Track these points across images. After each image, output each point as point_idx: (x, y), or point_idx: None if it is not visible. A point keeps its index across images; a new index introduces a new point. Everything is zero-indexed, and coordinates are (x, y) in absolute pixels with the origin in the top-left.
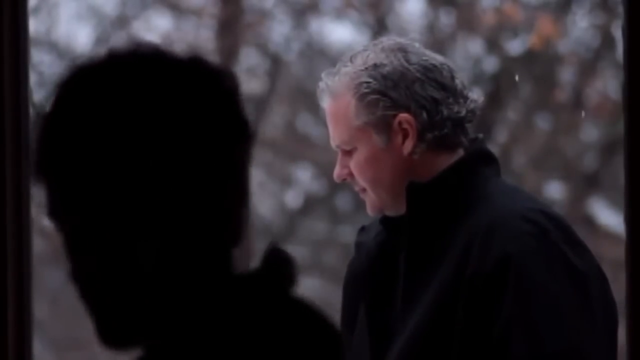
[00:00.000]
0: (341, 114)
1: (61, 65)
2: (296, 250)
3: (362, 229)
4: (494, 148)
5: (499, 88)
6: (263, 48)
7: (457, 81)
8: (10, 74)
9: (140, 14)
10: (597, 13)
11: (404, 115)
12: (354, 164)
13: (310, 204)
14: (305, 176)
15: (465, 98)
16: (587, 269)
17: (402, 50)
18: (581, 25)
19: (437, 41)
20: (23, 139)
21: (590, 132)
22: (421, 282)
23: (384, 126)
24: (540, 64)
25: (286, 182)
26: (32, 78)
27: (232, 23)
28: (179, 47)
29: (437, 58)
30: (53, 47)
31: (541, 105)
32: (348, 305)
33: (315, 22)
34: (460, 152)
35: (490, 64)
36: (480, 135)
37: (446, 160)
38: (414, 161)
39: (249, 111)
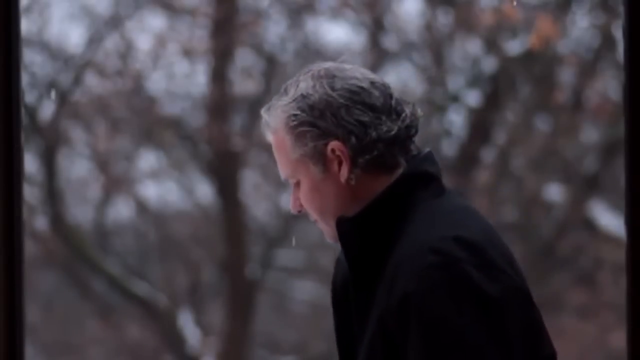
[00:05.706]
0: (281, 149)
1: (53, 65)
2: (291, 253)
3: None
4: (492, 150)
5: (497, 89)
6: (258, 48)
7: (392, 99)
8: (2, 75)
9: (134, 14)
10: (597, 13)
11: (334, 143)
12: (301, 196)
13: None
14: None
15: (399, 114)
16: (503, 294)
17: (328, 76)
18: (581, 25)
19: (435, 41)
20: (15, 140)
21: (590, 134)
22: (365, 309)
23: (319, 156)
24: (539, 64)
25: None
26: (24, 79)
27: (226, 23)
28: (173, 47)
29: (368, 78)
30: (45, 47)
31: (540, 107)
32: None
33: (311, 22)
34: (399, 172)
35: (489, 65)
36: (425, 150)
37: (385, 182)
38: (353, 187)
39: (244, 112)
